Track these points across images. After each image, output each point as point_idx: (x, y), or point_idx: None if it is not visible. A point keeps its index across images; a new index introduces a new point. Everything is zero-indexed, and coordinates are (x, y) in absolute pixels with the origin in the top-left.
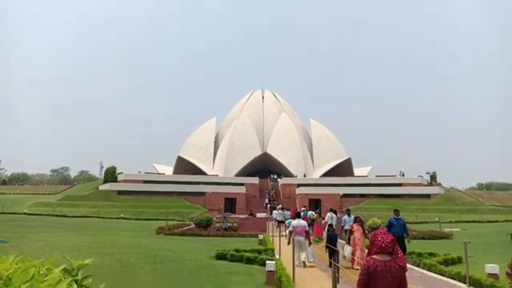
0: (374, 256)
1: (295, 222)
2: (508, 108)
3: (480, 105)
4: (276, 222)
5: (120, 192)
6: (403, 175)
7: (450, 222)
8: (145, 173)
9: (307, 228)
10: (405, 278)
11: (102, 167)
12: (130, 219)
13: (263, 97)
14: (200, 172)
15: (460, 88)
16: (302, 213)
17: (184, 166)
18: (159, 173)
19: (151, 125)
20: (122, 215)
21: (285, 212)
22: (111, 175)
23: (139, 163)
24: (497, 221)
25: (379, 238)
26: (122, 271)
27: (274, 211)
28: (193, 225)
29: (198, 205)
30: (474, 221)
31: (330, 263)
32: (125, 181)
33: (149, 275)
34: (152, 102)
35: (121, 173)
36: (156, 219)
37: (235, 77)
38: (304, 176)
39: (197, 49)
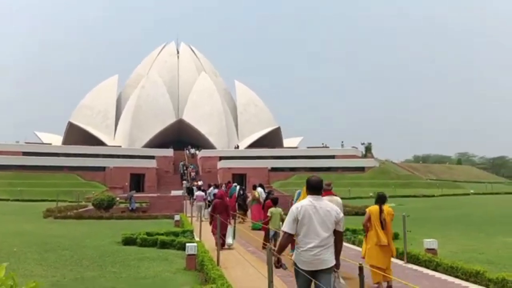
0: (217, 199)
1: (197, 193)
2: (445, 78)
3: (419, 73)
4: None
5: None
6: (342, 146)
7: None
8: (25, 143)
9: (205, 197)
10: (228, 208)
11: None
12: (8, 200)
13: (178, 52)
14: (98, 142)
15: (401, 52)
16: (230, 190)
17: (77, 135)
18: (43, 143)
19: (32, 82)
20: None
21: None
22: None
23: (16, 130)
24: (433, 196)
25: (219, 193)
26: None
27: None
28: (91, 207)
29: (96, 183)
30: (409, 196)
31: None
32: None
33: (38, 266)
34: (28, 55)
35: None
36: (42, 200)
37: (142, 26)
38: (237, 147)
39: None
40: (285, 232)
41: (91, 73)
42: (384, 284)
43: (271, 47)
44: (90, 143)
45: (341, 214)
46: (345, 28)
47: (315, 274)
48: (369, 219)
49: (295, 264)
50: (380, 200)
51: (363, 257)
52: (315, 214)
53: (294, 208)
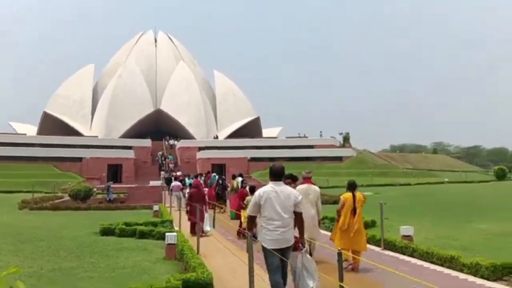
0: (193, 189)
1: (173, 183)
2: (418, 69)
3: (392, 67)
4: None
5: None
6: (321, 136)
7: (362, 185)
8: None
9: (181, 187)
10: (204, 197)
11: None
12: None
13: (155, 41)
14: (74, 132)
15: (375, 51)
16: (210, 180)
17: (52, 125)
18: (18, 134)
19: (5, 73)
20: None
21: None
22: None
23: None
24: (409, 184)
25: (194, 182)
26: None
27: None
28: (67, 198)
29: (73, 173)
30: (386, 185)
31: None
32: None
33: (14, 257)
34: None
35: None
36: (17, 192)
37: (118, 14)
38: (216, 137)
39: None
40: (248, 215)
41: (67, 63)
42: (350, 265)
43: (250, 38)
44: (66, 133)
45: (300, 197)
46: (331, 22)
47: (281, 251)
48: (343, 206)
49: (262, 246)
50: (351, 187)
51: (331, 239)
52: (276, 198)
53: (256, 193)
